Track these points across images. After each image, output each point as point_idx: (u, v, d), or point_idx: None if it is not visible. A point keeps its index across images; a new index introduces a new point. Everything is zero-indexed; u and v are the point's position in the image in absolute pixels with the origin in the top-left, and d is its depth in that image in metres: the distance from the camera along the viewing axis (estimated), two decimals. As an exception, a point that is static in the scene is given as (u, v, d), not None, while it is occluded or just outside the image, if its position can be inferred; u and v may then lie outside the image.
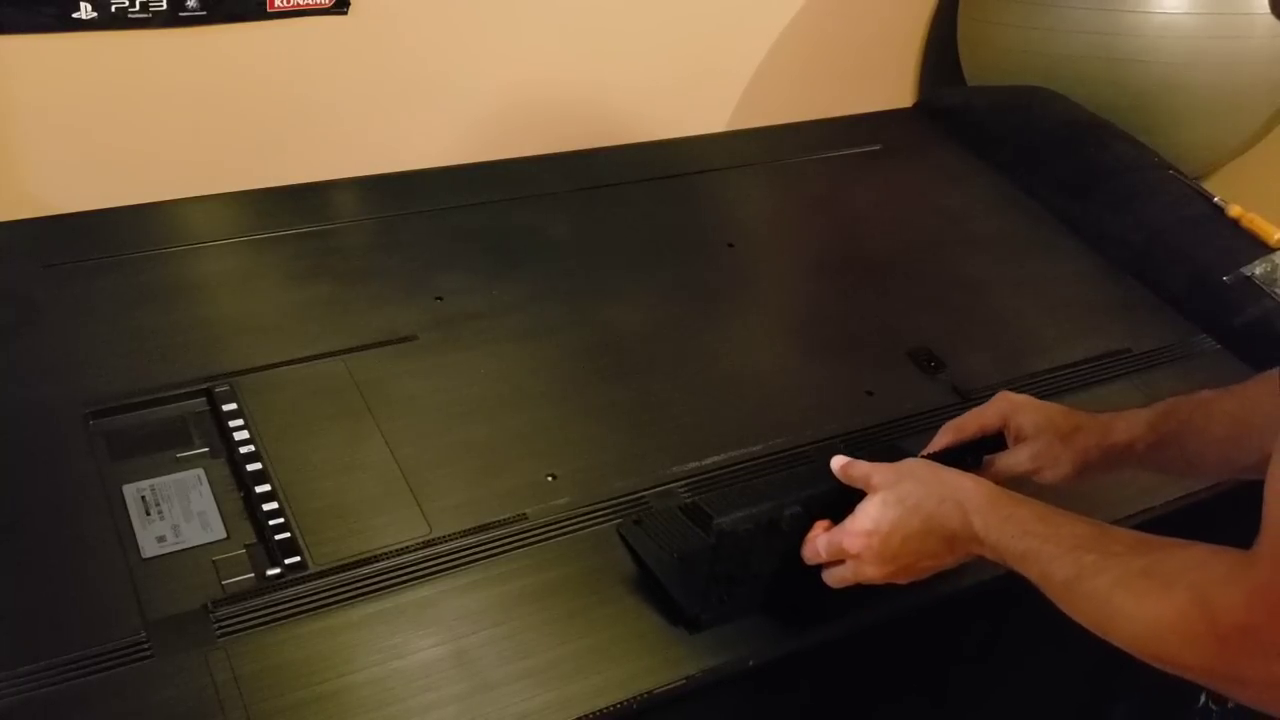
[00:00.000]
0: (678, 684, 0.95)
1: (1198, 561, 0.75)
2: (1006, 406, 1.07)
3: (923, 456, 1.01)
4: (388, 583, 0.99)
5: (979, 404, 1.30)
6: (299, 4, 1.41)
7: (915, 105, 2.01)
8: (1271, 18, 1.91)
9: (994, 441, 1.07)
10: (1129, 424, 1.04)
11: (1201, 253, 1.53)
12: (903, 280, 1.50)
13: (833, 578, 0.96)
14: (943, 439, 1.08)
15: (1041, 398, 1.31)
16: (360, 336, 1.25)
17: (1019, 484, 0.99)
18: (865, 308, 1.44)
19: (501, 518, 1.07)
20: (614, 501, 1.10)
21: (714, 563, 0.95)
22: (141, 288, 1.28)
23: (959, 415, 1.09)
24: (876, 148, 1.81)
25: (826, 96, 1.94)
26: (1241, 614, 0.71)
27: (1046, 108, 1.81)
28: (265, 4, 1.39)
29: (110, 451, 1.08)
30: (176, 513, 1.03)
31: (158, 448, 1.09)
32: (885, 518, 0.91)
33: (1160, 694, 1.23)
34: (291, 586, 0.98)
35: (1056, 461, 1.04)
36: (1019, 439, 1.06)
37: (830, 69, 1.98)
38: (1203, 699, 1.29)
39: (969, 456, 1.05)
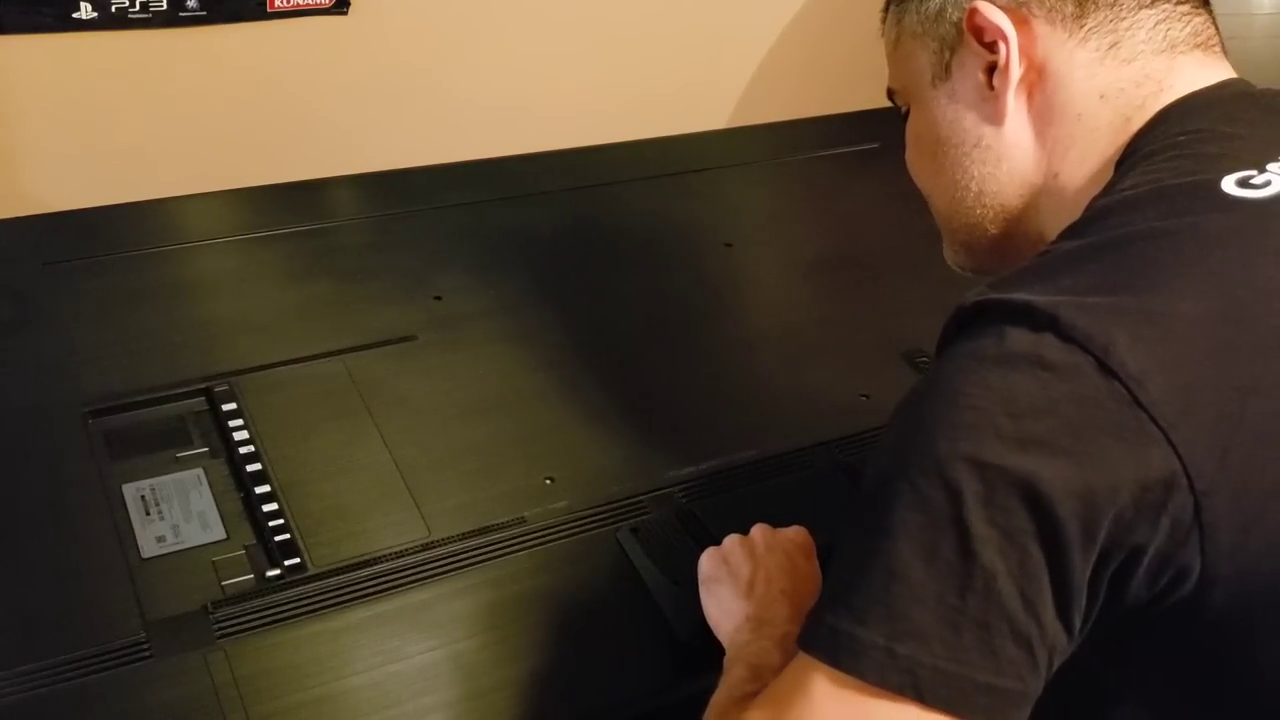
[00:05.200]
0: (677, 691, 0.95)
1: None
2: None
3: None
4: (387, 585, 1.00)
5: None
6: (299, 4, 1.41)
7: (913, 104, 2.00)
8: (1271, 17, 1.93)
9: None
10: None
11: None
12: (899, 281, 1.50)
13: None
14: None
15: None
16: (360, 336, 1.25)
17: None
18: (862, 308, 1.45)
19: (500, 520, 1.07)
20: (612, 505, 1.10)
21: None
22: (141, 286, 1.28)
23: None
24: (875, 145, 1.81)
25: (824, 94, 1.94)
26: None
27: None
28: (265, 4, 1.39)
29: (110, 451, 1.08)
30: (176, 513, 1.03)
31: (157, 448, 1.10)
32: None
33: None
34: (291, 588, 0.98)
35: None
36: None
37: (828, 66, 1.98)
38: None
39: None
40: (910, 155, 0.96)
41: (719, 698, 0.83)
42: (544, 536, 1.07)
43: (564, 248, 1.46)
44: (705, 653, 0.96)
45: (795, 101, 1.89)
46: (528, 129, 1.66)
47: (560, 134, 1.66)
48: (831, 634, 0.67)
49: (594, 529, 1.08)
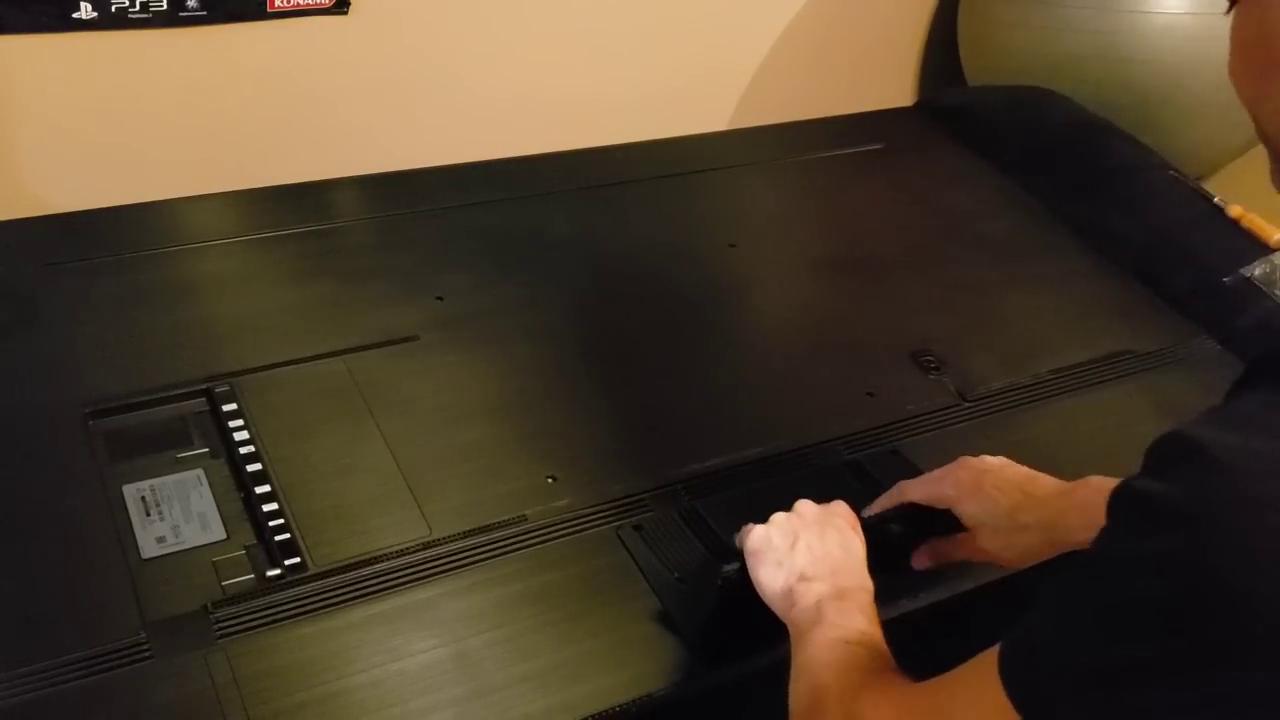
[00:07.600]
0: (680, 687, 0.94)
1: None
2: (953, 489, 1.00)
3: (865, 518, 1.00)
4: (388, 584, 0.99)
5: (978, 406, 1.30)
6: (299, 4, 1.41)
7: (917, 104, 2.00)
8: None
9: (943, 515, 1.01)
10: (1083, 519, 0.92)
11: (1203, 254, 1.53)
12: (904, 280, 1.50)
13: None
14: (886, 500, 1.04)
15: (1044, 400, 1.31)
16: (361, 336, 1.25)
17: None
18: (866, 308, 1.44)
19: (502, 519, 1.07)
20: (614, 504, 1.10)
21: (718, 609, 0.95)
22: (142, 287, 1.27)
23: (912, 476, 1.05)
24: (878, 147, 1.80)
25: (828, 95, 1.94)
26: None
27: (1048, 108, 1.81)
28: (265, 4, 1.39)
29: (110, 452, 1.08)
30: (176, 513, 1.03)
31: (158, 448, 1.09)
32: None
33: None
34: (291, 588, 0.98)
35: (995, 556, 0.99)
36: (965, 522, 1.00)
37: (831, 67, 1.98)
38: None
39: (898, 524, 1.02)
40: (1234, 63, 0.72)
41: (814, 657, 0.83)
42: (546, 535, 1.06)
43: (567, 248, 1.46)
44: (709, 649, 0.96)
45: (799, 102, 1.89)
46: (530, 130, 1.66)
47: (563, 135, 1.65)
48: (1031, 693, 0.64)
49: (596, 527, 1.07)
